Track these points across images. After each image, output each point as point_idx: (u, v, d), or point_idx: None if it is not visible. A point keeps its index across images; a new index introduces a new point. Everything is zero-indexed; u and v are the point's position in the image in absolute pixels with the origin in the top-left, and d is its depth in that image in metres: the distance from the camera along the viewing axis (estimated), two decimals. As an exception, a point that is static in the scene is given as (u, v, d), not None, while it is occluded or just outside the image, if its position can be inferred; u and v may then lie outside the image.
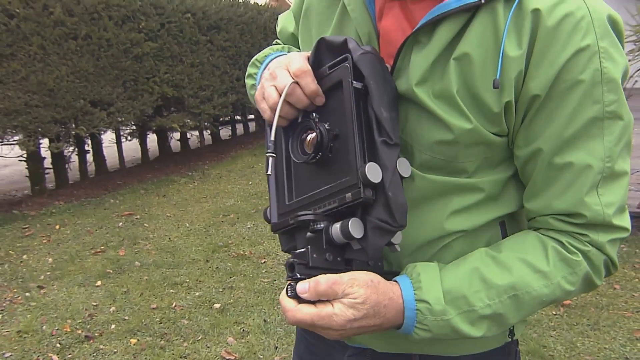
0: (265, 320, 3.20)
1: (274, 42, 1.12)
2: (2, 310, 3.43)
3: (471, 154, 0.80)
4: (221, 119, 8.82)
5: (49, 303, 3.50)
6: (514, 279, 0.77)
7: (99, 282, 3.81)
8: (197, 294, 3.60)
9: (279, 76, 0.79)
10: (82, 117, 5.94)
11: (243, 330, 3.11)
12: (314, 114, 0.79)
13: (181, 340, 3.03)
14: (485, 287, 0.77)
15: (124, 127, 7.12)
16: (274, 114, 0.78)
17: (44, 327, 3.19)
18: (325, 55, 0.81)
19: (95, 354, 2.91)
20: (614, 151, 0.77)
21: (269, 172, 0.79)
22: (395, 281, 0.78)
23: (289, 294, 0.73)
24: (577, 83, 0.73)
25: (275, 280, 3.74)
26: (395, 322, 0.76)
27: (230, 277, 3.83)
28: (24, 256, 4.35)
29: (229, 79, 8.08)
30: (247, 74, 1.06)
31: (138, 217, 5.33)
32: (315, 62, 0.81)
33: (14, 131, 5.51)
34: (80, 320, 3.27)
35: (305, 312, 0.72)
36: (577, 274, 0.79)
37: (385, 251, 0.81)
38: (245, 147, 8.83)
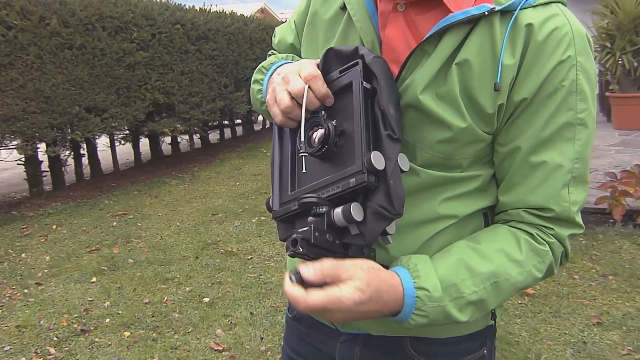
0: (251, 313, 3.20)
1: (269, 53, 1.10)
2: (1, 306, 3.40)
3: (466, 152, 0.84)
4: (210, 124, 8.78)
5: (46, 299, 3.48)
6: (494, 267, 0.80)
7: (94, 279, 3.78)
8: (188, 288, 3.59)
9: (291, 81, 0.79)
10: (77, 122, 5.89)
11: (231, 322, 3.12)
12: (323, 112, 0.80)
13: (172, 332, 3.03)
14: (471, 275, 0.79)
15: (117, 132, 7.06)
16: (285, 118, 0.80)
17: (42, 322, 3.16)
18: (334, 63, 0.83)
19: (90, 347, 2.90)
20: (582, 155, 0.81)
21: (304, 171, 0.79)
22: (393, 271, 0.79)
23: (294, 280, 0.71)
24: (556, 90, 0.78)
25: (261, 275, 3.75)
26: (394, 309, 0.77)
27: (219, 273, 3.83)
28: (23, 255, 4.30)
29: (217, 86, 8.05)
30: (253, 79, 1.04)
31: (131, 216, 5.29)
32: (324, 70, 0.82)
33: (13, 136, 5.44)
34: (76, 315, 3.25)
35: (316, 297, 0.70)
36: (544, 262, 0.83)
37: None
38: (233, 150, 8.81)
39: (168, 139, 8.17)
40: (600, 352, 2.59)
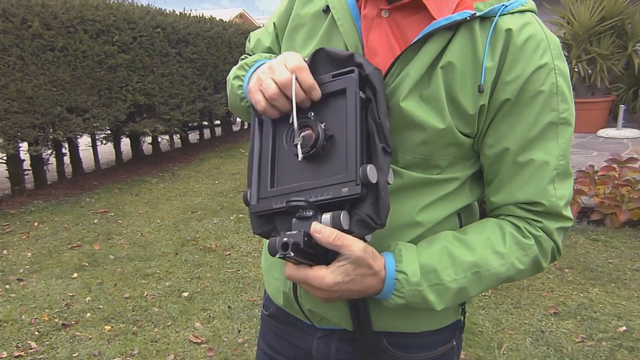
0: (229, 307, 3.18)
1: (242, 58, 1.04)
2: (-18, 302, 3.31)
3: (444, 153, 0.84)
4: (190, 125, 8.67)
5: (27, 294, 3.39)
6: (477, 257, 0.81)
7: (75, 275, 3.71)
8: (167, 283, 3.55)
9: (277, 70, 0.77)
10: (59, 122, 5.76)
11: (209, 316, 3.09)
12: (311, 113, 0.77)
13: (152, 326, 2.98)
14: (452, 264, 0.80)
15: (99, 132, 6.93)
16: (269, 106, 0.78)
17: (23, 317, 3.08)
18: (323, 65, 0.80)
19: (71, 340, 2.84)
20: (566, 151, 0.83)
21: (301, 157, 0.76)
22: (382, 256, 0.80)
23: (287, 255, 0.71)
24: (538, 93, 0.80)
25: (239, 271, 3.72)
26: (376, 289, 0.79)
27: (198, 268, 3.79)
28: (4, 251, 4.19)
29: (197, 88, 7.97)
30: (233, 75, 0.99)
31: (112, 214, 5.20)
32: (311, 69, 0.78)
33: (-6, 135, 5.30)
34: (57, 310, 3.18)
35: (302, 270, 0.75)
36: (528, 255, 0.83)
37: None
38: (212, 150, 8.73)
39: (149, 139, 8.04)
40: (556, 340, 2.65)
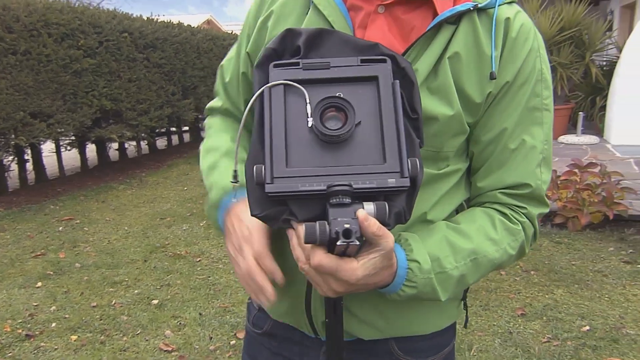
0: (200, 314, 3.13)
1: (217, 91, 1.00)
2: (-60, 313, 3.16)
3: (453, 144, 0.84)
4: (157, 130, 8.55)
5: (-11, 305, 3.27)
6: (474, 245, 0.81)
7: (39, 284, 3.59)
8: (136, 291, 3.47)
9: (242, 258, 0.81)
10: (21, 128, 5.58)
11: (180, 323, 3.03)
12: (340, 93, 0.71)
13: (121, 335, 2.91)
14: (452, 252, 0.80)
15: (63, 138, 6.74)
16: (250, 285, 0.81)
17: (-16, 328, 2.97)
18: (331, 48, 0.76)
19: (36, 351, 2.74)
20: (549, 137, 0.86)
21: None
22: None
23: (351, 242, 0.65)
24: (528, 78, 0.83)
25: (209, 277, 3.67)
26: (386, 282, 0.76)
27: (168, 275, 3.72)
28: (-37, 261, 4.03)
29: (165, 94, 7.86)
30: (208, 190, 0.92)
31: (78, 221, 5.06)
32: (315, 49, 0.75)
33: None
34: (20, 320, 3.06)
35: (331, 259, 0.68)
36: (517, 240, 0.85)
37: None
38: (181, 156, 8.61)
39: (115, 145, 7.89)
40: (524, 341, 2.70)
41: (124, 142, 7.84)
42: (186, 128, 9.90)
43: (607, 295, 3.13)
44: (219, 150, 0.95)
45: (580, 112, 7.31)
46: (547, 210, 0.88)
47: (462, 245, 0.81)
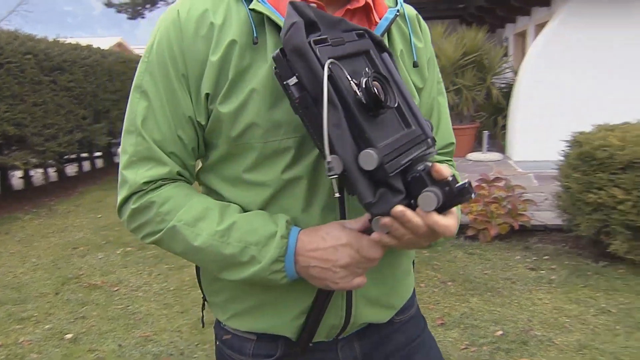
0: (120, 345, 2.97)
1: (147, 200, 0.83)
2: None
3: None
4: (67, 157, 8.11)
5: None
6: None
7: None
8: (47, 326, 3.24)
9: (367, 251, 0.78)
10: None
11: (97, 356, 2.86)
12: (368, 69, 0.73)
13: (31, 374, 2.70)
14: None
15: (-40, 166, 6.24)
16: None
17: None
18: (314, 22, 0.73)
19: None
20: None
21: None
22: None
23: (473, 195, 0.70)
24: (432, 57, 0.99)
25: (129, 306, 3.50)
26: None
27: (82, 307, 3.51)
28: None
29: (75, 118, 7.49)
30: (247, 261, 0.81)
31: (-22, 255, 4.67)
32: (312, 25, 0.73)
33: None
34: None
35: (429, 217, 0.71)
36: None
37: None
38: (94, 183, 8.20)
39: (19, 173, 7.38)
40: (444, 349, 2.80)
41: (29, 169, 7.36)
42: (99, 153, 9.47)
43: (516, 301, 3.33)
44: (215, 211, 0.82)
45: (485, 131, 7.81)
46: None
47: None
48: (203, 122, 0.83)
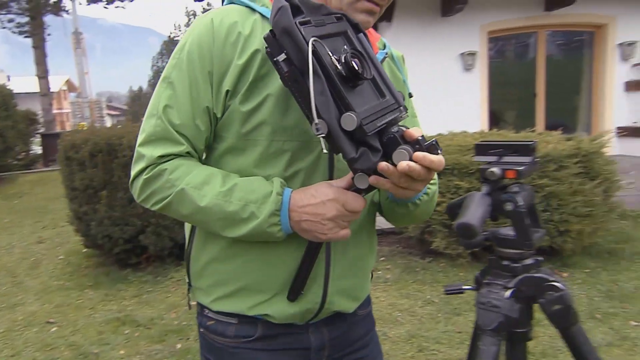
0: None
1: (157, 170, 0.95)
2: None
3: None
4: None
5: None
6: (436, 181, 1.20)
7: None
8: None
9: (350, 204, 0.91)
10: None
11: None
12: (347, 47, 0.85)
13: None
14: None
15: None
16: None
17: None
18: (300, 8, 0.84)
19: None
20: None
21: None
22: None
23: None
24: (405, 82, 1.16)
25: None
26: None
27: None
28: None
29: None
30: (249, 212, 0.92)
31: None
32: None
33: None
34: None
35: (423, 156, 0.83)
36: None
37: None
38: None
39: None
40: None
41: None
42: None
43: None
44: (218, 176, 0.94)
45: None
46: None
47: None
48: (219, 115, 0.96)
